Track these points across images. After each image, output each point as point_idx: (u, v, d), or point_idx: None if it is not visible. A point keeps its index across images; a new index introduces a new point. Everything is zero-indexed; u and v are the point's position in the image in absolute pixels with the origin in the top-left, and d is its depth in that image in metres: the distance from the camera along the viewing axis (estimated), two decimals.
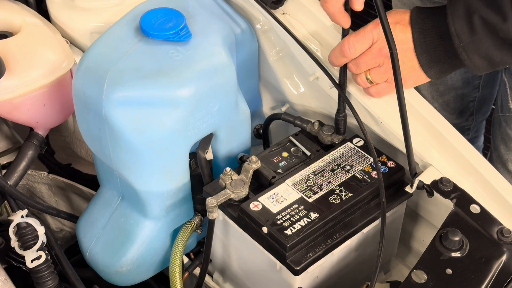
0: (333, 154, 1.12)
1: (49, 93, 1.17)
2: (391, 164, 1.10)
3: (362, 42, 1.06)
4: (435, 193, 1.07)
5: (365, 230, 1.06)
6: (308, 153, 1.14)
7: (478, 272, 0.97)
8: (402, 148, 1.05)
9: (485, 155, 1.40)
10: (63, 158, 1.53)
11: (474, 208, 1.03)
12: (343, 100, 1.12)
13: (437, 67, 1.07)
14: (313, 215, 1.02)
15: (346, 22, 1.07)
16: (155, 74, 1.03)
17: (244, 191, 1.06)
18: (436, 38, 1.05)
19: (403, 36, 1.06)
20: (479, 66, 1.04)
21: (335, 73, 1.14)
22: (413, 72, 1.08)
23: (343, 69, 1.11)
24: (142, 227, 1.14)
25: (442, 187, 1.06)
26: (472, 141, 1.81)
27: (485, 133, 1.90)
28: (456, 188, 1.06)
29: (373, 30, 1.06)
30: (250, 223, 1.03)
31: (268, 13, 1.20)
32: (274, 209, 1.03)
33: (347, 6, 1.05)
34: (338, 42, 1.21)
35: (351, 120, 1.20)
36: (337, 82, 1.13)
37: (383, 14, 0.91)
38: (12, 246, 1.09)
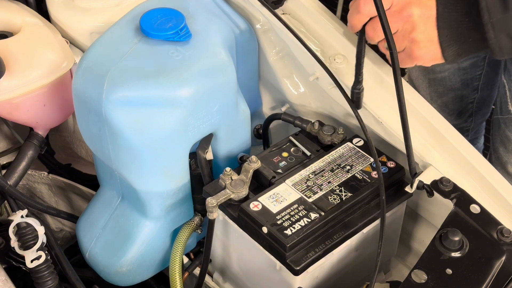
0: (333, 154, 1.12)
1: (49, 93, 1.17)
2: (391, 164, 1.10)
3: None
4: (435, 193, 1.07)
5: (365, 230, 1.06)
6: (308, 153, 1.14)
7: (478, 272, 0.97)
8: (402, 148, 1.05)
9: (484, 156, 1.40)
10: (63, 158, 1.53)
11: (474, 208, 1.03)
12: (359, 67, 1.03)
13: (456, 46, 1.02)
14: (313, 215, 1.02)
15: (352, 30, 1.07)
16: (155, 74, 1.03)
17: (244, 191, 1.06)
18: (461, 14, 1.00)
19: (428, 1, 1.00)
20: (503, 47, 0.99)
21: (336, 73, 1.14)
22: (432, 46, 1.02)
23: (361, 35, 1.03)
24: (142, 227, 1.14)
25: (442, 187, 1.06)
26: (472, 142, 1.80)
27: (485, 133, 1.90)
28: (456, 188, 1.06)
29: None
30: (250, 223, 1.03)
31: (270, 12, 1.20)
32: (274, 209, 1.03)
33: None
34: (338, 42, 1.22)
35: (351, 120, 1.20)
36: (338, 81, 1.13)
37: (383, 14, 0.91)
38: (12, 246, 1.09)
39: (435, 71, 1.56)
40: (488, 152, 1.63)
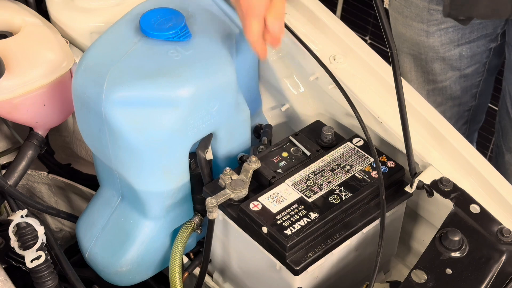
0: (333, 154, 1.12)
1: (49, 93, 1.17)
2: (391, 164, 1.10)
3: None
4: (435, 193, 1.07)
5: (364, 230, 1.06)
6: (308, 153, 1.14)
7: (477, 272, 0.97)
8: (402, 148, 1.05)
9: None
10: (63, 158, 1.53)
11: (474, 208, 1.03)
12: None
13: None
14: (313, 215, 1.02)
15: (263, 51, 1.02)
16: (155, 74, 1.03)
17: (244, 191, 1.06)
18: None
19: None
20: None
21: (336, 73, 1.14)
22: None
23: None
24: (142, 227, 1.14)
25: (442, 187, 1.06)
26: None
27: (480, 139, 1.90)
28: (456, 188, 1.06)
29: None
30: (250, 223, 1.03)
31: None
32: (274, 209, 1.03)
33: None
34: (338, 42, 1.22)
35: (351, 120, 1.20)
36: (338, 81, 1.13)
37: (383, 14, 0.91)
38: (12, 246, 1.09)
39: (436, 81, 1.57)
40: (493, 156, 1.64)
